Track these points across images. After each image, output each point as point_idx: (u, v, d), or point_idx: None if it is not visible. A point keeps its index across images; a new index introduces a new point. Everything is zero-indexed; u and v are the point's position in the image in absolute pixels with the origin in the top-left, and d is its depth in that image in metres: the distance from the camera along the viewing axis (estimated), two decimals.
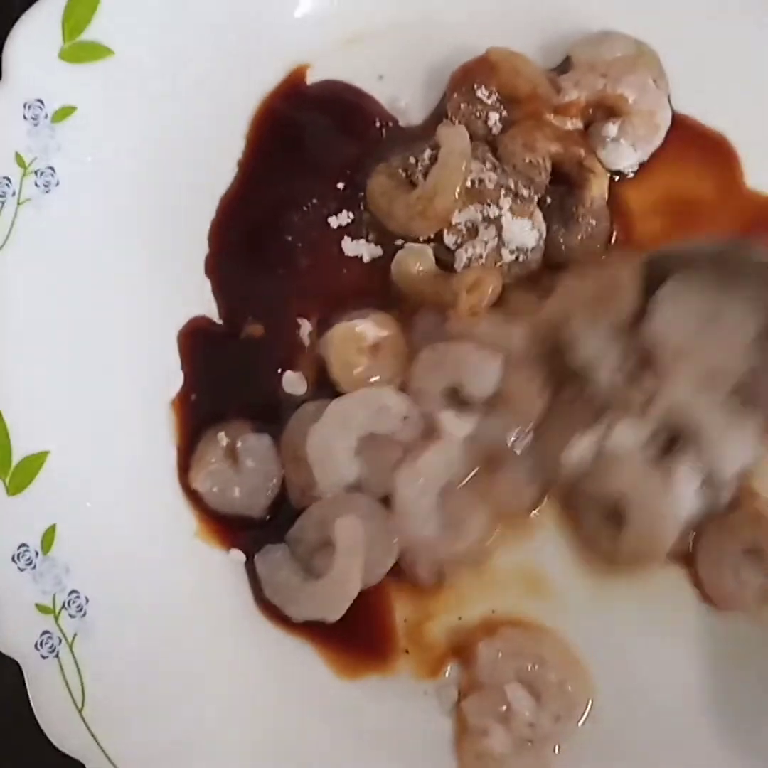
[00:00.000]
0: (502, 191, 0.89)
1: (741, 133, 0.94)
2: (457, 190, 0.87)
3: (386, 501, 0.86)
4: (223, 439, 0.89)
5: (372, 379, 0.88)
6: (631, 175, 0.94)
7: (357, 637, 0.87)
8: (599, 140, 0.92)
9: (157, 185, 0.92)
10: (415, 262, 0.89)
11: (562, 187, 0.92)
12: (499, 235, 0.88)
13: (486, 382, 0.86)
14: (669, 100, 0.94)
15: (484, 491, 0.87)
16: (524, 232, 0.88)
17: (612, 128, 0.92)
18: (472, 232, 0.89)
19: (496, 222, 0.88)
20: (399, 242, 0.92)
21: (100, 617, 0.84)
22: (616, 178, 0.94)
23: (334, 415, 0.86)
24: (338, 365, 0.88)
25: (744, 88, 0.95)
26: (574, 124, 0.92)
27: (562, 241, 0.91)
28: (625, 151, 0.92)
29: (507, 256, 0.89)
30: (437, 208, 0.88)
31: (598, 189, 0.91)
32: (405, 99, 0.96)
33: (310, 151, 0.95)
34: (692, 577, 0.86)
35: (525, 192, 0.89)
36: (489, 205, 0.88)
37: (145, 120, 0.91)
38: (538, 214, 0.90)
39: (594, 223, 0.91)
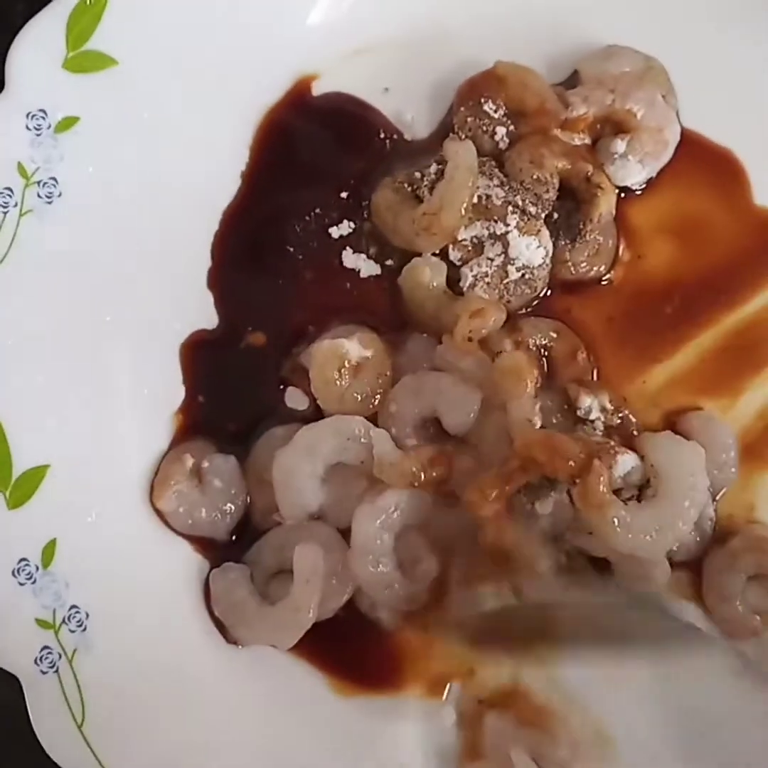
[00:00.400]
0: (509, 208, 0.88)
1: (749, 150, 0.94)
2: (464, 206, 0.86)
3: (348, 533, 0.84)
4: (188, 459, 0.88)
5: (351, 398, 0.86)
6: (639, 191, 0.93)
7: (359, 658, 0.87)
8: (607, 156, 0.91)
9: (160, 197, 0.91)
10: (428, 272, 0.88)
11: (570, 202, 0.91)
12: (506, 252, 0.87)
13: (463, 418, 0.84)
14: (678, 116, 0.94)
15: (438, 539, 0.84)
16: (531, 250, 0.87)
17: (620, 144, 0.91)
18: (478, 248, 0.88)
19: (503, 239, 0.88)
20: (389, 262, 0.92)
21: (101, 632, 0.84)
22: (624, 194, 0.93)
23: (302, 441, 0.85)
24: (319, 381, 0.86)
25: (753, 105, 0.94)
26: (581, 139, 0.92)
27: (568, 257, 0.90)
28: (633, 168, 0.91)
29: (513, 274, 0.88)
30: (443, 224, 0.87)
31: (605, 205, 0.90)
32: (411, 112, 0.95)
33: (313, 163, 0.94)
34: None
35: (532, 209, 0.88)
36: (496, 221, 0.88)
37: (148, 130, 0.90)
38: (545, 232, 0.89)
39: (601, 239, 0.91)
